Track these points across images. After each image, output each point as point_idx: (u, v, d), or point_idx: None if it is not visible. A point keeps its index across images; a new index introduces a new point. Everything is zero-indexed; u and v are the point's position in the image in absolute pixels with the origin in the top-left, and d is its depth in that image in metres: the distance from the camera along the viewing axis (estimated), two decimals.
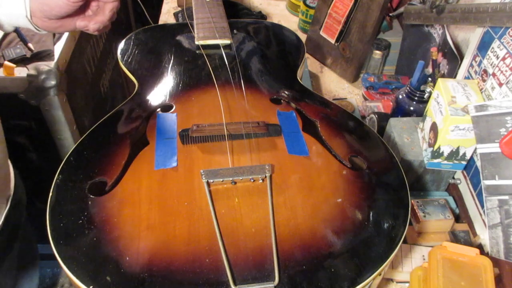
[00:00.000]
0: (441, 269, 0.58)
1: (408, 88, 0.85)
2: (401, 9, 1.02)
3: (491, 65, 0.69)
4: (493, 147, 0.63)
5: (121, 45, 0.86)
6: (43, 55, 0.95)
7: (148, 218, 0.54)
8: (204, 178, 0.58)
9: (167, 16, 1.31)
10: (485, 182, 0.65)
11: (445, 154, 0.73)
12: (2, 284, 0.75)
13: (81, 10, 0.59)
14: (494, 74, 0.68)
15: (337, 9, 1.06)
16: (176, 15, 1.25)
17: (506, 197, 0.63)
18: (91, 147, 0.64)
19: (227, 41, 0.86)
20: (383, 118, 0.87)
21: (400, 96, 0.87)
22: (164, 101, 0.74)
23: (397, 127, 0.82)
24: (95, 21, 0.60)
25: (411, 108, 0.85)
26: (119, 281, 0.48)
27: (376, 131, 0.78)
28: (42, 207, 0.56)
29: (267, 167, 0.59)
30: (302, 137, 0.67)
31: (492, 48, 0.69)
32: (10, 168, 0.72)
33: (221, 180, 0.59)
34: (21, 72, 0.91)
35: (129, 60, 0.83)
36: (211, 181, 0.59)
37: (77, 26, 0.61)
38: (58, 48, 0.97)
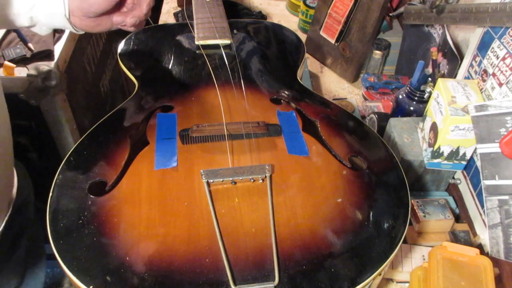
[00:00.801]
0: (441, 269, 0.58)
1: (408, 88, 0.85)
2: (401, 9, 1.02)
3: (491, 65, 0.69)
4: (493, 147, 0.63)
5: (121, 45, 0.86)
6: (43, 55, 0.94)
7: (148, 218, 0.54)
8: (204, 178, 0.58)
9: (167, 16, 1.31)
10: (485, 182, 0.65)
11: (445, 154, 0.73)
12: (8, 281, 0.75)
13: (117, 7, 0.61)
14: (494, 74, 0.68)
15: (337, 9, 1.06)
16: (176, 15, 1.25)
17: (506, 197, 0.63)
18: (91, 147, 0.64)
19: (227, 41, 0.86)
20: (383, 118, 0.87)
21: (400, 96, 0.87)
22: (164, 101, 0.74)
23: (397, 127, 0.82)
24: (132, 15, 0.62)
25: (411, 108, 0.85)
26: (119, 281, 0.48)
27: (376, 131, 0.78)
28: (42, 207, 0.56)
29: (267, 167, 0.59)
30: (302, 137, 0.67)
31: (492, 48, 0.69)
32: (14, 173, 0.73)
33: (221, 180, 0.59)
34: (21, 72, 0.91)
35: (129, 60, 0.83)
36: (211, 181, 0.59)
37: (114, 22, 0.62)
38: (58, 48, 0.97)
